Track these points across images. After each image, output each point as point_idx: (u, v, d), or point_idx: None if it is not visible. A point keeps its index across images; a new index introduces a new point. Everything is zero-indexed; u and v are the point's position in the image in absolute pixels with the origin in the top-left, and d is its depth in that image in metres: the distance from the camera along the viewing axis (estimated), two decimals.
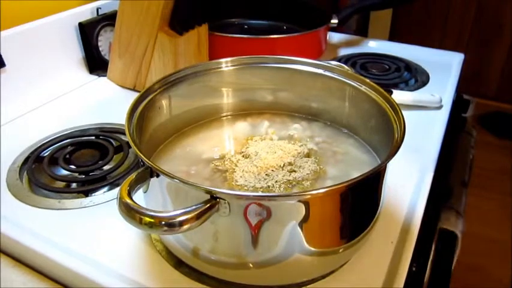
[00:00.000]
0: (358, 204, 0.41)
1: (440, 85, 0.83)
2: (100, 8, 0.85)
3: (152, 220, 0.33)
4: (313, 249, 0.39)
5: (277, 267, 0.40)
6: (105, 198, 0.54)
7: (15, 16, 0.75)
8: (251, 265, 0.40)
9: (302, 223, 0.37)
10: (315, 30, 0.87)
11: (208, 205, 0.35)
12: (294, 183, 0.47)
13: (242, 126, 0.58)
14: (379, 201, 0.44)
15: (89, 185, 0.56)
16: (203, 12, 0.78)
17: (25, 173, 0.58)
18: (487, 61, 2.13)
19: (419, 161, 0.62)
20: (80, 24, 0.81)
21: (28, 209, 0.52)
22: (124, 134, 0.64)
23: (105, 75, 0.84)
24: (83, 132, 0.67)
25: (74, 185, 0.58)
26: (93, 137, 0.65)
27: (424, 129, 0.69)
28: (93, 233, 0.50)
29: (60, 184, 0.58)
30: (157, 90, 0.50)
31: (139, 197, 0.39)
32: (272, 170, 0.48)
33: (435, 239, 0.59)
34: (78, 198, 0.54)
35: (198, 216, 0.34)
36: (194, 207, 0.34)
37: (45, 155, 0.61)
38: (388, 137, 0.45)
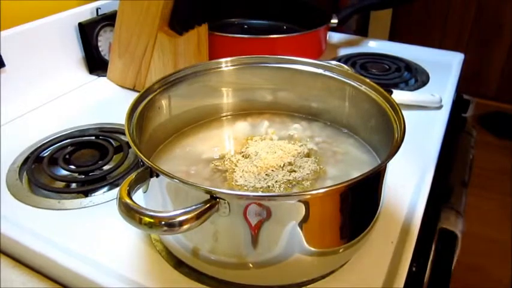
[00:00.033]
0: (358, 204, 0.41)
1: (440, 85, 0.83)
2: (100, 8, 0.85)
3: (152, 220, 0.33)
4: (313, 249, 0.39)
5: (277, 267, 0.40)
6: (105, 199, 0.54)
7: (15, 16, 0.75)
8: (251, 265, 0.40)
9: (302, 223, 0.37)
10: (314, 30, 0.87)
11: (208, 205, 0.35)
12: (294, 183, 0.47)
13: (242, 126, 0.58)
14: (379, 201, 0.44)
15: (88, 185, 0.56)
16: (203, 12, 0.78)
17: (25, 173, 0.58)
18: (487, 61, 2.13)
19: (419, 161, 0.62)
20: (80, 24, 0.81)
21: (28, 209, 0.52)
22: (124, 134, 0.64)
23: (104, 75, 0.84)
24: (82, 132, 0.67)
25: (73, 185, 0.58)
26: (93, 137, 0.65)
27: (424, 129, 0.69)
28: (93, 233, 0.50)
29: (60, 184, 0.57)
30: (157, 90, 0.50)
31: (139, 197, 0.39)
32: (272, 170, 0.48)
33: (435, 239, 0.59)
34: (77, 198, 0.54)
35: (197, 216, 0.34)
36: (194, 207, 0.34)
37: (45, 155, 0.61)
38: (388, 136, 0.44)
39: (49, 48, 0.78)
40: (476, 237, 1.30)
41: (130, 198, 0.35)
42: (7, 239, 0.48)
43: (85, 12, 0.83)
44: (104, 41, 0.84)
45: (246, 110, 0.60)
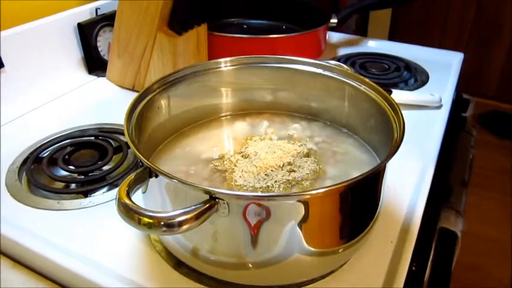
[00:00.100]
0: (358, 204, 0.41)
1: (440, 85, 0.83)
2: (99, 8, 0.85)
3: (151, 220, 0.33)
4: (312, 249, 0.39)
5: (277, 267, 0.39)
6: (105, 199, 0.54)
7: (15, 16, 0.75)
8: (250, 265, 0.40)
9: (301, 223, 0.37)
10: (314, 30, 0.87)
11: (207, 205, 0.34)
12: (293, 183, 0.47)
13: (241, 126, 0.58)
14: (379, 201, 0.43)
15: (88, 185, 0.56)
16: (202, 12, 0.78)
17: (24, 174, 0.58)
18: (486, 61, 2.13)
19: (419, 161, 0.62)
20: (79, 24, 0.81)
21: (27, 209, 0.52)
22: (123, 134, 0.64)
23: (104, 76, 0.84)
24: (82, 132, 0.67)
25: (73, 185, 0.58)
26: (93, 138, 0.65)
27: (424, 129, 0.69)
28: (92, 233, 0.49)
29: (60, 185, 0.57)
30: (156, 90, 0.50)
31: (138, 198, 0.39)
32: (271, 170, 0.48)
33: (435, 239, 0.59)
34: (77, 198, 0.54)
35: (197, 217, 0.34)
36: (193, 207, 0.34)
37: (44, 155, 0.61)
38: (387, 136, 0.44)
39: (48, 48, 0.78)
40: (476, 237, 1.30)
41: (130, 199, 0.35)
42: (6, 239, 0.48)
43: (84, 12, 0.83)
44: (103, 41, 0.84)
45: (246, 110, 0.60)
